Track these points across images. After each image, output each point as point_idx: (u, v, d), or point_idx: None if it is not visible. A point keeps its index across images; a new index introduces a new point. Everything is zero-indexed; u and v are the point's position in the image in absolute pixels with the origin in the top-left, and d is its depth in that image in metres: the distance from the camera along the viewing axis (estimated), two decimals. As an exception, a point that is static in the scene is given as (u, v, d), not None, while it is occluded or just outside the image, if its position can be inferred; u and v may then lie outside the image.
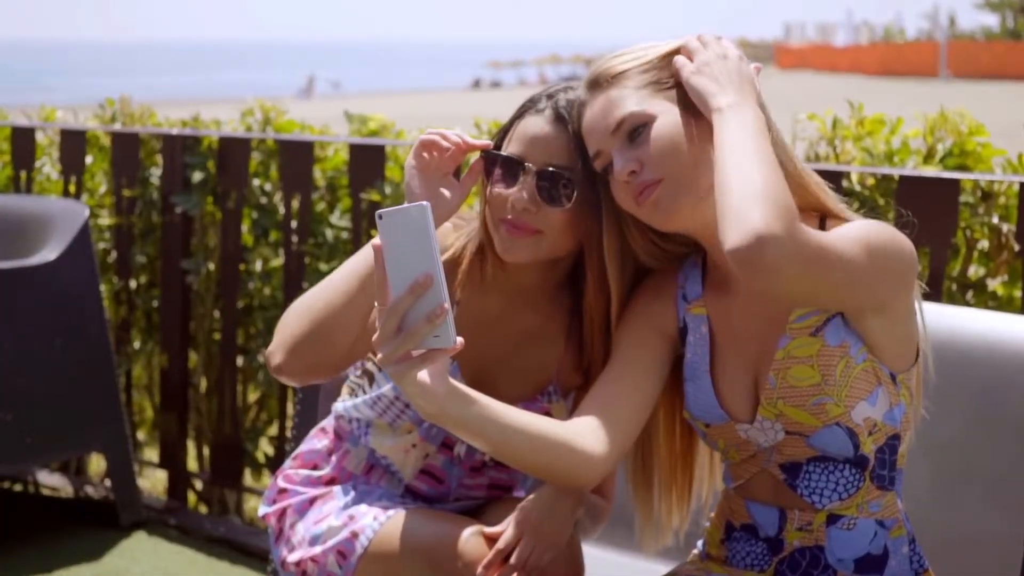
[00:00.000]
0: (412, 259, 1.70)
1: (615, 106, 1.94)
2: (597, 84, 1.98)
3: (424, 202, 1.70)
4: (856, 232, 1.82)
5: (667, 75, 1.95)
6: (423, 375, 1.76)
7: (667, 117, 1.92)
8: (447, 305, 1.70)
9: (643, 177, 1.91)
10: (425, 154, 2.09)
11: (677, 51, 1.97)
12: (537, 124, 2.07)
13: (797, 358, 1.93)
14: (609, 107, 1.95)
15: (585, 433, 1.93)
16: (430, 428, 2.24)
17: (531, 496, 2.13)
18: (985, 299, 3.06)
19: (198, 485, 4.49)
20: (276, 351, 2.13)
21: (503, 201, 2.07)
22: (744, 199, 1.73)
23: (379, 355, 1.75)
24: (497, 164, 2.08)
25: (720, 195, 1.77)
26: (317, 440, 2.39)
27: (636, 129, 1.92)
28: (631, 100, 1.93)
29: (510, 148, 2.09)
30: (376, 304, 1.74)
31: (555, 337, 2.22)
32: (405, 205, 1.71)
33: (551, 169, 2.04)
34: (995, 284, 3.07)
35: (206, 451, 4.46)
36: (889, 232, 1.85)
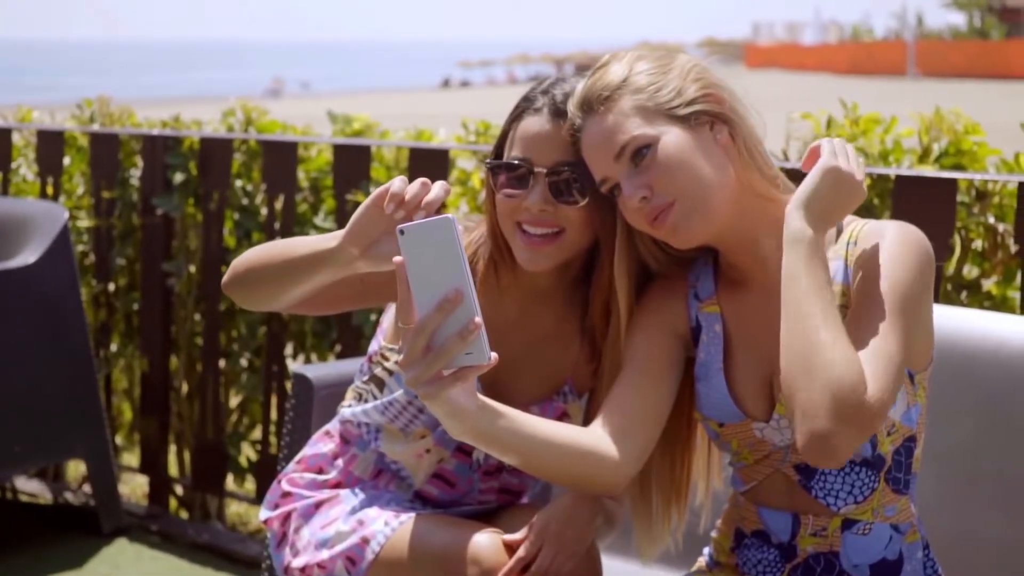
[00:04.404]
0: (438, 275, 1.63)
1: (615, 131, 1.91)
2: (590, 107, 1.94)
3: (450, 215, 1.63)
4: (896, 289, 1.82)
5: (659, 94, 1.91)
6: (454, 394, 1.71)
7: (669, 137, 1.90)
8: (479, 320, 1.63)
9: (655, 202, 1.89)
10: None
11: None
12: (537, 123, 2.03)
13: None
14: (609, 133, 1.92)
15: (607, 440, 1.91)
16: (444, 432, 2.19)
17: (550, 504, 2.10)
18: (980, 299, 3.03)
19: (179, 490, 4.43)
20: (229, 272, 2.09)
21: (516, 206, 2.03)
22: (813, 387, 1.73)
23: (406, 376, 1.68)
24: (503, 171, 2.04)
25: (787, 368, 1.77)
26: (322, 444, 2.35)
27: (640, 151, 1.90)
28: (631, 123, 1.90)
29: (513, 152, 2.04)
30: (399, 323, 1.67)
31: (570, 336, 2.19)
32: (428, 219, 1.64)
33: (560, 167, 2.00)
34: (989, 284, 3.05)
35: (187, 456, 4.40)
36: (916, 243, 1.85)
